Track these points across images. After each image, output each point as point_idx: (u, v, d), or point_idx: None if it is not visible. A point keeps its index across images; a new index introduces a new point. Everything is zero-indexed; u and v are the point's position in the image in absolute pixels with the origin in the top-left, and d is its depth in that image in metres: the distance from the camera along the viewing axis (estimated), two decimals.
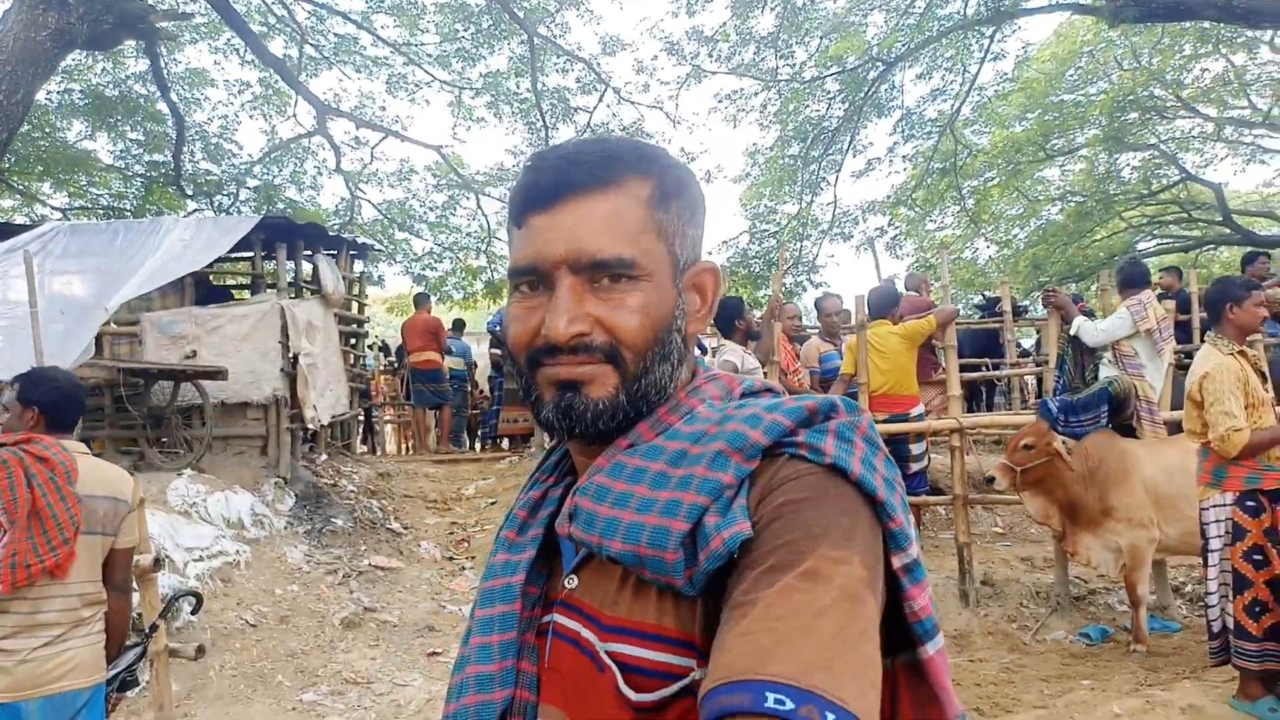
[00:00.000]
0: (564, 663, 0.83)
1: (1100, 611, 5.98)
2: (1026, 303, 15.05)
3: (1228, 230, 19.25)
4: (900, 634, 0.77)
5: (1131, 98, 17.11)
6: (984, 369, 10.57)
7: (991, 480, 5.39)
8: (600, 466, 0.83)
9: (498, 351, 11.09)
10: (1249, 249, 11.99)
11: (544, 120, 15.29)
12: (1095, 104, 17.69)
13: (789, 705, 0.62)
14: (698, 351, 0.96)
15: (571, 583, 0.86)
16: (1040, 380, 8.61)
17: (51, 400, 2.92)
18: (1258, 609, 3.87)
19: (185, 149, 14.98)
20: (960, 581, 6.06)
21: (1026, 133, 18.48)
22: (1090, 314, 7.33)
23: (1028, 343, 13.19)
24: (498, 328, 10.99)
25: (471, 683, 0.86)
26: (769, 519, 0.73)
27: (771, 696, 0.62)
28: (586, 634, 0.81)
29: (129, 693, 3.28)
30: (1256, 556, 3.89)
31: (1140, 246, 21.01)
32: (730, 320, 5.70)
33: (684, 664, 0.75)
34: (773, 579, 0.69)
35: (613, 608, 0.80)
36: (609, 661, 0.78)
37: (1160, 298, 7.70)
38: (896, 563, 0.75)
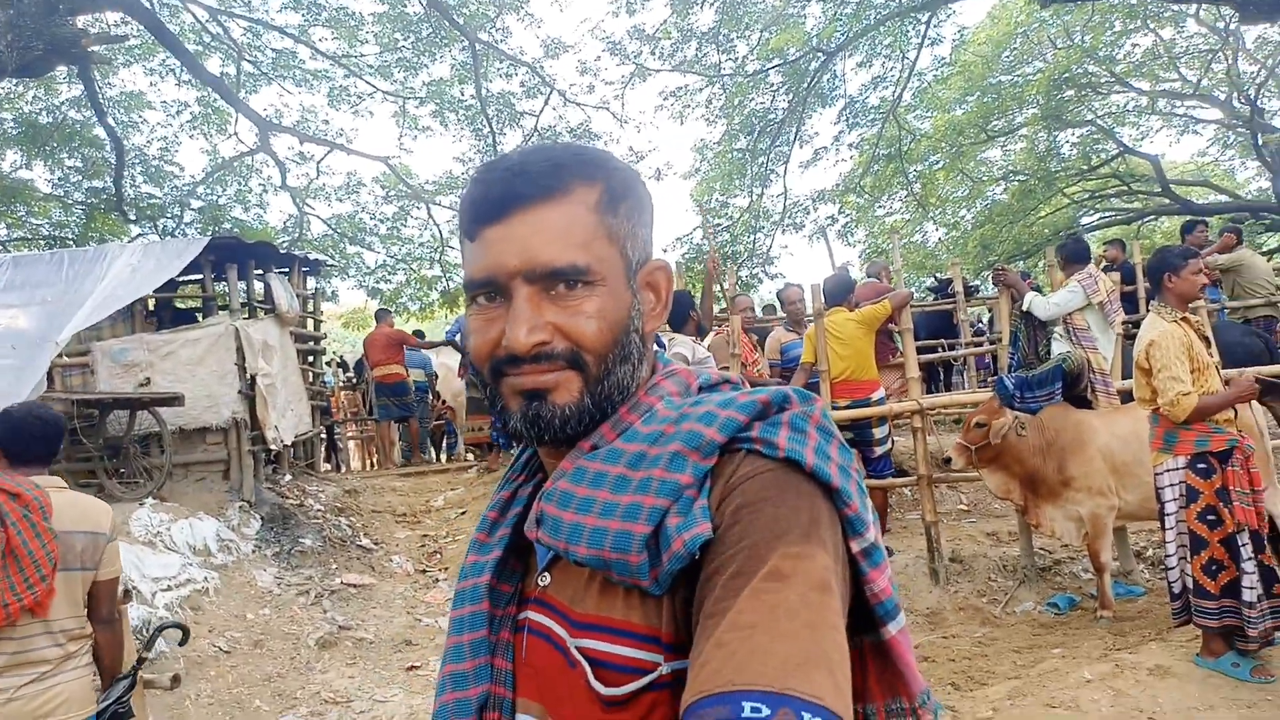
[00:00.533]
0: (538, 658, 0.86)
1: (1066, 581, 6.12)
2: (977, 282, 15.32)
3: (1167, 201, 19.72)
4: (863, 616, 0.80)
5: (1067, 75, 17.47)
6: (940, 350, 10.74)
7: (949, 461, 5.49)
8: (564, 470, 0.85)
9: None
10: (1188, 218, 12.30)
11: (490, 126, 15.24)
12: (1032, 83, 18.03)
13: (765, 712, 0.63)
14: (656, 347, 0.98)
15: (544, 580, 0.88)
16: (995, 358, 8.77)
17: (6, 436, 2.85)
18: (1214, 568, 3.99)
19: (126, 173, 14.72)
20: (929, 560, 6.16)
21: (967, 115, 18.79)
22: (1038, 290, 7.49)
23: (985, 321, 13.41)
24: (457, 336, 10.88)
25: (448, 681, 0.89)
26: (730, 522, 0.75)
27: (748, 705, 0.64)
28: (558, 630, 0.84)
29: None
30: (1210, 517, 4.01)
31: (1083, 221, 21.46)
32: (682, 314, 5.73)
33: (651, 659, 0.78)
34: (739, 584, 0.71)
35: (582, 604, 0.83)
36: (579, 657, 0.80)
37: (1105, 270, 7.89)
38: (855, 547, 0.78)
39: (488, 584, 0.90)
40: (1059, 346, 6.00)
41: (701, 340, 6.00)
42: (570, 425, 0.84)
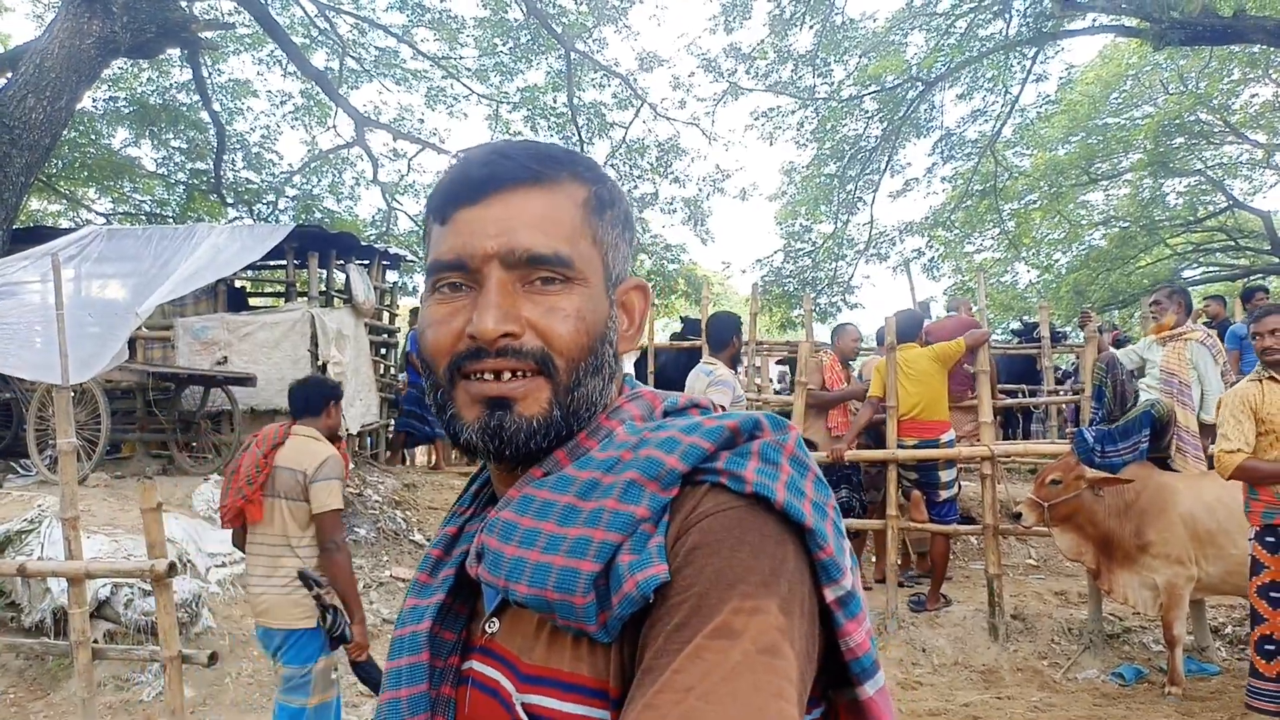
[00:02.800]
0: (482, 715, 0.77)
1: (1135, 650, 5.78)
2: (1067, 329, 14.79)
3: (1277, 259, 18.81)
4: (839, 672, 0.72)
5: (1178, 122, 16.80)
6: (1020, 395, 10.37)
7: (1019, 516, 5.22)
8: (510, 499, 0.77)
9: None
10: (1248, 283, 11.69)
11: (580, 135, 15.33)
12: (1140, 128, 17.41)
13: None
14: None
15: (492, 626, 0.79)
16: (1078, 408, 8.40)
17: (291, 399, 3.89)
18: (1270, 647, 3.76)
19: (226, 158, 15.22)
20: (990, 615, 5.90)
21: (1069, 156, 18.21)
22: (1124, 343, 7.13)
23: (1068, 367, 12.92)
24: (415, 349, 10.34)
25: None
26: (682, 564, 0.67)
27: None
28: (505, 684, 0.75)
29: (338, 649, 3.69)
30: (1273, 594, 3.77)
31: (1185, 274, 20.61)
32: (724, 338, 5.37)
33: (599, 715, 0.69)
34: (683, 638, 0.63)
35: (530, 654, 0.74)
36: (523, 715, 0.72)
37: (1205, 325, 7.51)
38: (829, 595, 0.69)
39: (428, 631, 0.81)
40: (1147, 396, 5.68)
41: (735, 370, 5.75)
42: (536, 439, 0.76)
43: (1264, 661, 3.79)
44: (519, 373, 0.75)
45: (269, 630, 3.61)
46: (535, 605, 0.71)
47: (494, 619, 0.79)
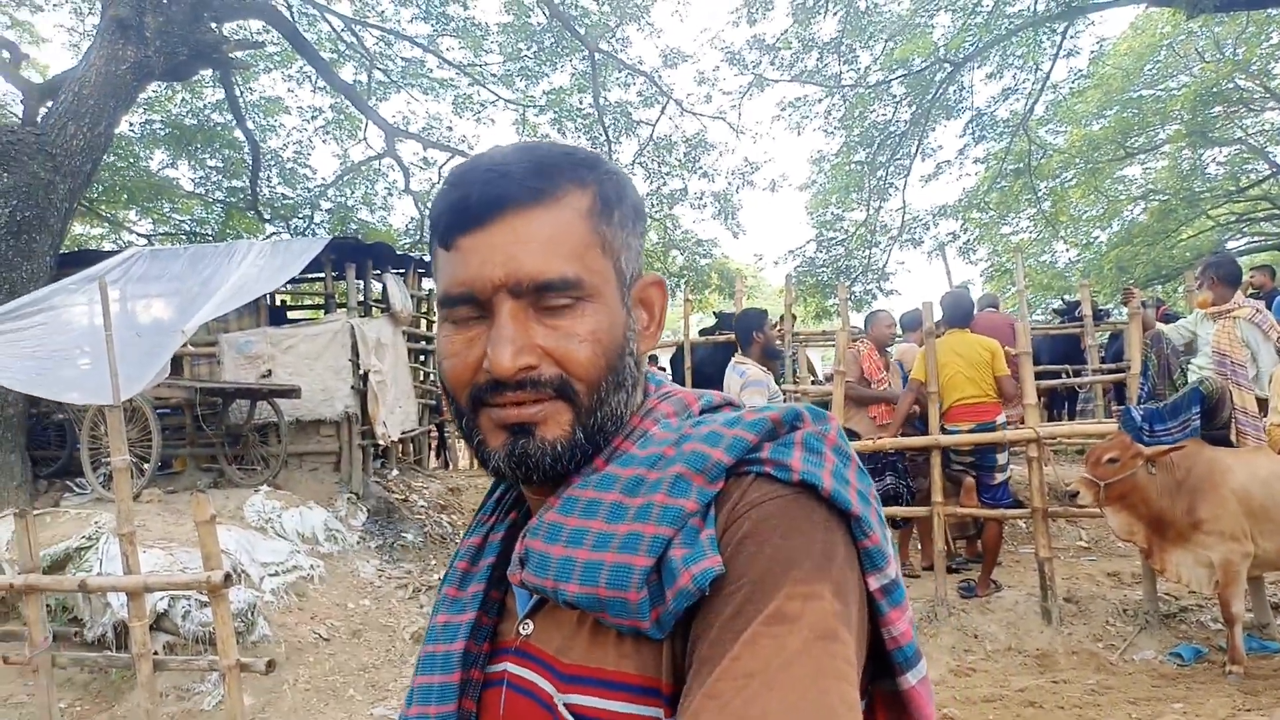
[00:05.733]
0: (521, 718, 0.76)
1: (1193, 630, 5.69)
2: (1109, 306, 14.55)
3: None
4: (880, 661, 0.71)
5: (1215, 90, 16.44)
6: (1065, 376, 10.23)
7: (1075, 495, 5.15)
8: (551, 504, 0.76)
9: None
10: None
11: (607, 135, 15.37)
12: (1177, 98, 17.07)
13: None
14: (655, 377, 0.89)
15: (526, 628, 0.78)
16: (1123, 386, 8.27)
17: None
18: None
19: (262, 174, 15.46)
20: (1042, 599, 5.82)
21: (1105, 130, 17.91)
22: (1171, 318, 6.97)
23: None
24: None
25: None
26: (733, 554, 0.67)
27: None
28: (544, 685, 0.74)
29: None
30: None
31: (1229, 245, 20.18)
32: (748, 331, 5.37)
33: (650, 714, 0.68)
34: (739, 626, 0.63)
35: (569, 654, 0.73)
36: (567, 715, 0.71)
37: (1252, 296, 7.33)
38: (873, 584, 0.69)
39: (461, 651, 0.80)
40: (1195, 376, 5.56)
41: (778, 362, 5.70)
42: (561, 463, 0.75)
43: None
44: (538, 400, 0.74)
45: None
46: (587, 604, 0.70)
47: (528, 620, 0.78)
